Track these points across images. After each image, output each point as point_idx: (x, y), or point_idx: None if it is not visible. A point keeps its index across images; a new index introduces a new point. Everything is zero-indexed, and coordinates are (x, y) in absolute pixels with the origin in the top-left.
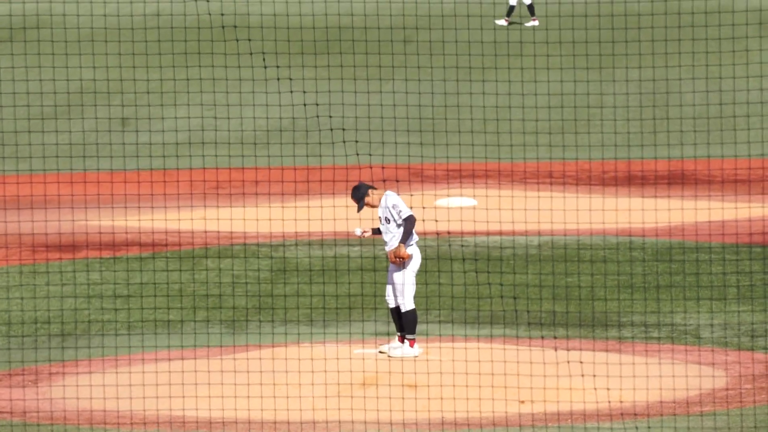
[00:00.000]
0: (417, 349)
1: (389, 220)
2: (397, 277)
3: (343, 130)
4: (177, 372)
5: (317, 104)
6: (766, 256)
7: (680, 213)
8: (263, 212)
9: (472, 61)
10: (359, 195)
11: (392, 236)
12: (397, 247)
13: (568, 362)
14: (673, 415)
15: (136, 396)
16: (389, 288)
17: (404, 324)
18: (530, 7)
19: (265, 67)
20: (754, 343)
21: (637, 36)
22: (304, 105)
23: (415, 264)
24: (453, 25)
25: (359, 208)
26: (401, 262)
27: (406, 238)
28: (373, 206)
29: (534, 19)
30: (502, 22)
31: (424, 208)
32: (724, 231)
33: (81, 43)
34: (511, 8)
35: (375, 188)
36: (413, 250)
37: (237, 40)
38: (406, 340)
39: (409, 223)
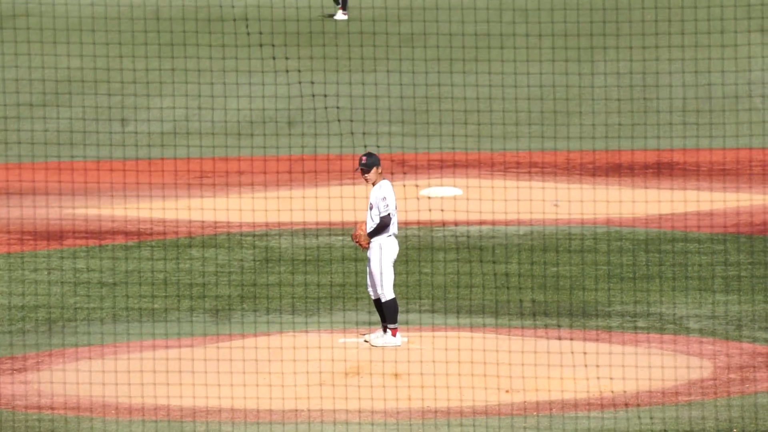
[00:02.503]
0: (399, 339)
1: (372, 207)
2: (375, 267)
3: (327, 122)
4: (162, 361)
5: (301, 96)
6: (752, 246)
7: (669, 203)
8: (247, 202)
9: (455, 51)
10: (370, 162)
11: (372, 224)
12: (363, 236)
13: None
14: (659, 405)
15: (121, 384)
16: (369, 279)
17: (385, 313)
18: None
19: (249, 59)
20: (740, 333)
21: (626, 24)
22: (288, 96)
23: (391, 254)
24: (435, 16)
25: (362, 171)
26: (360, 244)
27: (376, 233)
28: (368, 182)
29: (344, 13)
30: (341, 15)
31: (406, 199)
32: (711, 221)
33: (69, 31)
34: None
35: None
36: (391, 242)
37: (223, 33)
38: (388, 330)
39: (385, 219)
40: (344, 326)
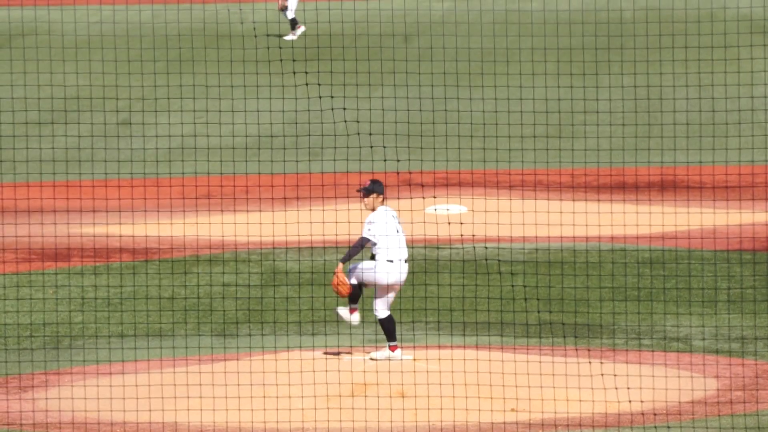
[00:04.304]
0: (399, 353)
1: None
2: (360, 267)
3: (335, 137)
4: (169, 380)
5: (309, 113)
6: (755, 264)
7: (672, 219)
8: (254, 220)
9: (461, 68)
10: (369, 188)
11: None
12: (340, 282)
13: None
14: (664, 422)
15: (129, 404)
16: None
17: (383, 331)
18: (292, 21)
19: (257, 73)
20: (744, 350)
21: (630, 42)
22: (295, 114)
23: (382, 277)
24: (441, 33)
25: (362, 196)
26: (338, 291)
27: (347, 255)
28: (366, 207)
29: (293, 33)
30: (291, 36)
31: (412, 212)
32: (715, 239)
33: (77, 48)
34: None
35: (384, 198)
36: (388, 267)
37: (231, 48)
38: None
39: (357, 243)
40: (350, 344)
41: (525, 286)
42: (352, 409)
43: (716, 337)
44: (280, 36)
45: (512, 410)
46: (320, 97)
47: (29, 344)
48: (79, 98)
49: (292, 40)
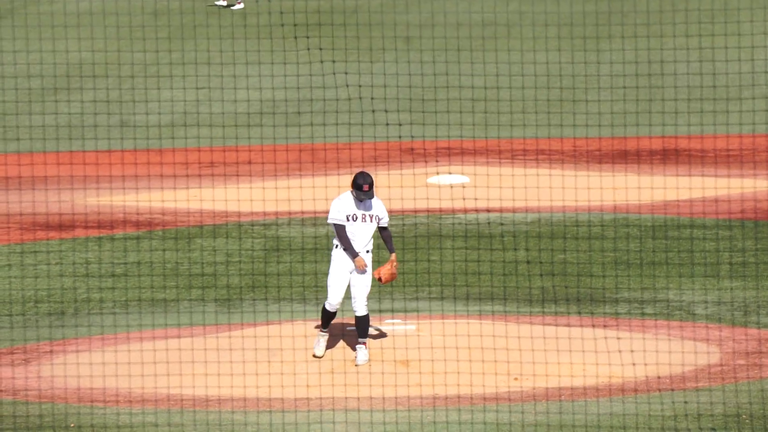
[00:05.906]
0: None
1: (381, 218)
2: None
3: (336, 101)
4: (173, 350)
5: (311, 85)
6: (757, 232)
7: (675, 189)
8: (256, 191)
9: (461, 39)
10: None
11: (370, 240)
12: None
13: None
14: (668, 391)
15: (133, 374)
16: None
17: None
18: None
19: (259, 47)
20: (746, 318)
21: (631, 12)
22: (298, 86)
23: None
24: (442, 4)
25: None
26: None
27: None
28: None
29: (239, 2)
30: (222, 2)
31: (415, 181)
32: (717, 207)
33: (80, 15)
34: None
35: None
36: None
37: (232, 15)
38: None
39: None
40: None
41: (527, 251)
42: (356, 374)
43: (718, 305)
44: (228, 5)
45: (515, 379)
46: (321, 62)
47: (34, 314)
48: (82, 64)
49: (241, 9)
